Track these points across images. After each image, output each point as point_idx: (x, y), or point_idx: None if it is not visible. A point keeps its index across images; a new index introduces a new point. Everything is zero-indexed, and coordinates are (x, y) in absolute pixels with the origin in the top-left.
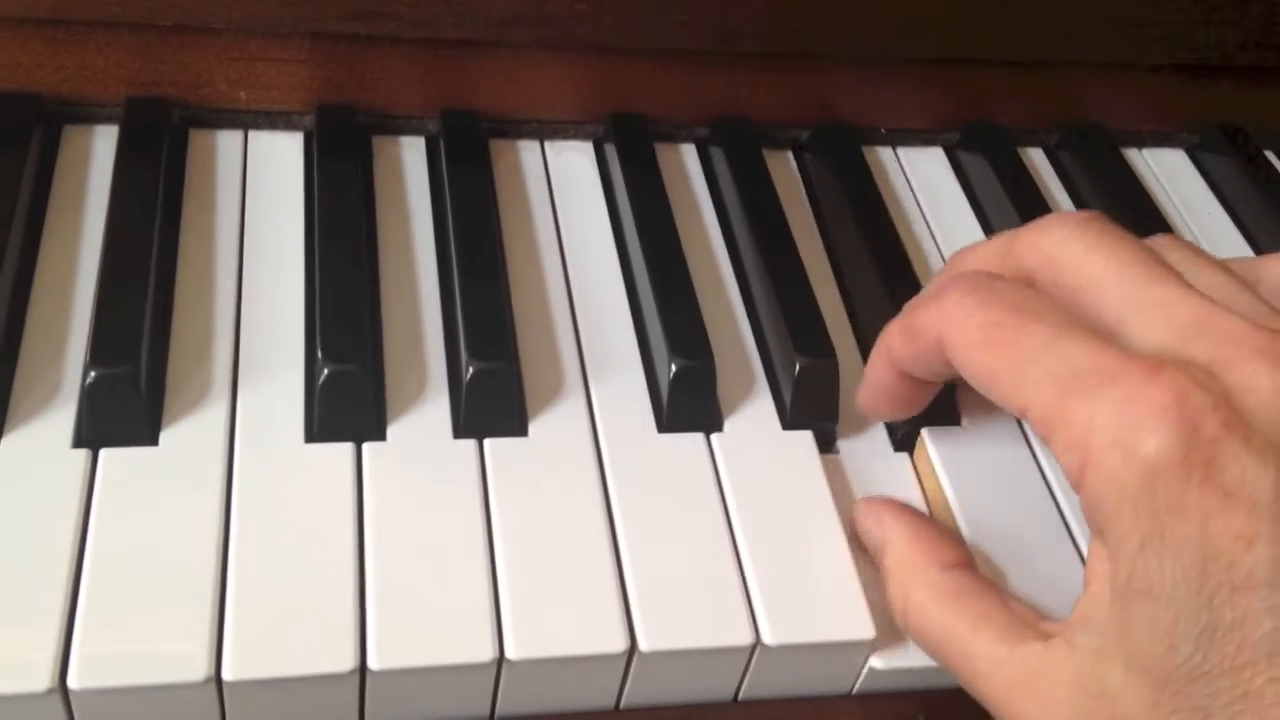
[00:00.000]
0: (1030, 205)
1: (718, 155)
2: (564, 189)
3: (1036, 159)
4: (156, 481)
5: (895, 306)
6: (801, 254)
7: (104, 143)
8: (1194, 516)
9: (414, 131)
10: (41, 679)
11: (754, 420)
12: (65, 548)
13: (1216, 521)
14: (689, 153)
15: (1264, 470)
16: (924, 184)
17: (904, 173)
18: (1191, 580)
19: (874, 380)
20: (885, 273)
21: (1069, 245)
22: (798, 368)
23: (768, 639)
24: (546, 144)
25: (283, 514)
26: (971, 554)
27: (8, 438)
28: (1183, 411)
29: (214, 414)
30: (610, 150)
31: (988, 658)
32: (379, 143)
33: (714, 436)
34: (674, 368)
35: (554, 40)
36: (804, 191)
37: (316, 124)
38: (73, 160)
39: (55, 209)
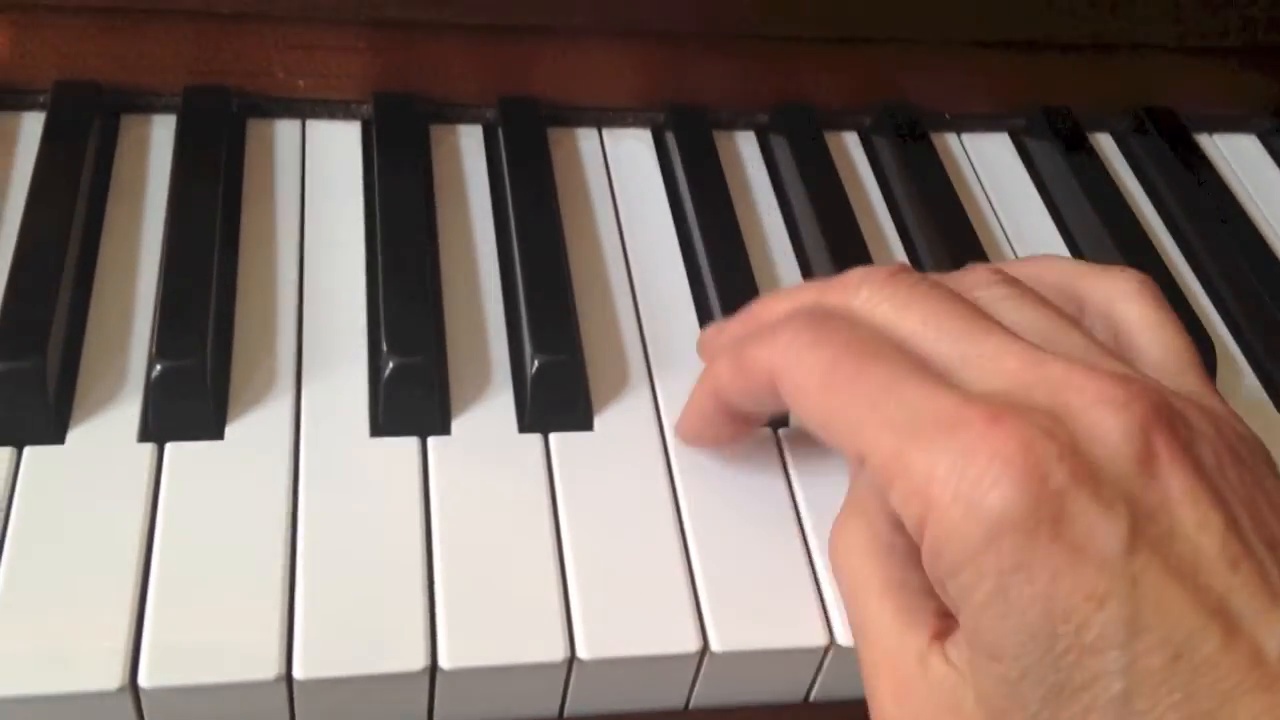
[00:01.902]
0: (1101, 194)
1: (779, 142)
2: (623, 177)
3: (1105, 145)
4: (222, 476)
5: None
6: (867, 239)
7: (162, 132)
8: (1041, 576)
9: (472, 120)
10: (113, 677)
11: None
12: (133, 544)
13: (1065, 580)
14: (746, 139)
15: (1114, 524)
16: (989, 170)
17: (969, 159)
18: (1040, 641)
19: (696, 410)
20: (958, 261)
21: (879, 308)
22: None
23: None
24: (605, 132)
25: (349, 509)
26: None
27: (74, 432)
28: (1027, 462)
29: (279, 407)
30: (670, 139)
31: (880, 625)
32: (437, 131)
33: (780, 431)
34: None
35: (613, 25)
36: (872, 175)
37: (375, 113)
38: (132, 150)
39: (115, 199)
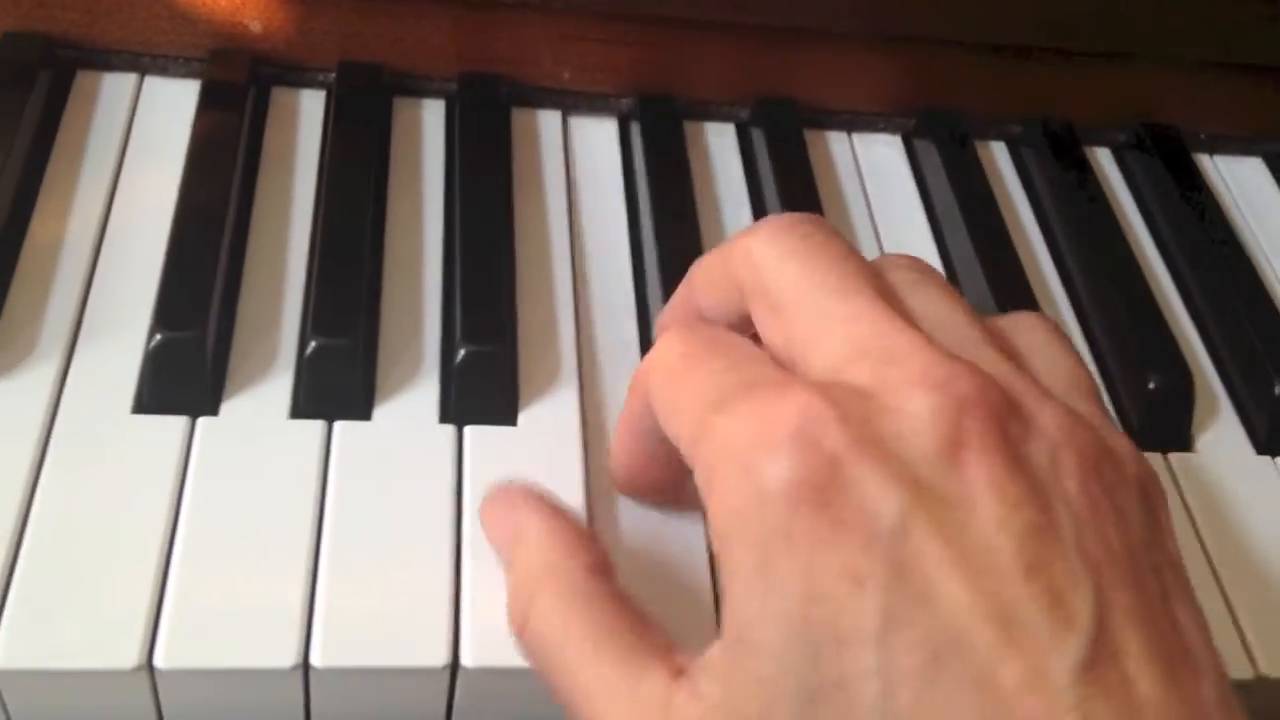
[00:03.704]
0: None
1: (1029, 155)
2: (875, 182)
3: (1104, 160)
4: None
5: None
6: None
7: (432, 117)
8: (801, 549)
9: (724, 118)
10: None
11: None
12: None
13: (823, 555)
14: (999, 150)
15: (889, 498)
16: (1245, 193)
17: (1225, 182)
18: (795, 627)
19: (617, 449)
20: None
21: (768, 250)
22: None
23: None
24: (855, 136)
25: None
26: (612, 561)
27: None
28: (805, 429)
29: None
30: (920, 144)
31: (604, 685)
32: (690, 128)
33: None
34: None
35: (874, 30)
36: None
37: (639, 108)
38: (407, 133)
39: (396, 180)
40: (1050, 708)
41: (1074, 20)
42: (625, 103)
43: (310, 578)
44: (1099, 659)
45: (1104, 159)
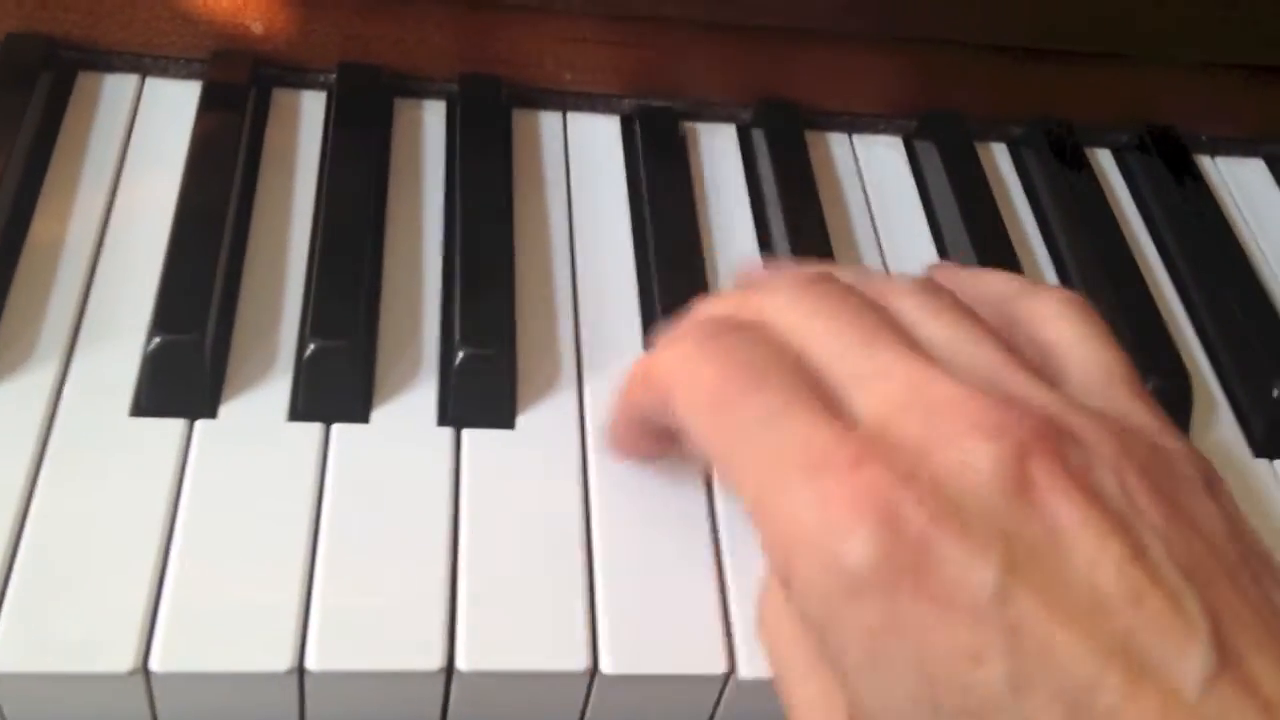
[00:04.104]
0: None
1: (1030, 156)
2: (875, 183)
3: (1105, 161)
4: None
5: None
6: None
7: (434, 118)
8: (910, 635)
9: (724, 119)
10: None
11: None
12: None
13: (937, 638)
14: (1000, 151)
15: (984, 566)
16: (1245, 195)
17: (1226, 183)
18: (923, 711)
19: (615, 420)
20: None
21: (788, 313)
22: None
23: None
24: (855, 137)
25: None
26: None
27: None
28: (882, 510)
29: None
30: (921, 145)
31: (807, 708)
32: (692, 129)
33: None
34: None
35: (872, 31)
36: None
37: (639, 110)
38: (407, 133)
39: (396, 184)
40: None
41: (1074, 22)
42: (626, 104)
43: (306, 581)
44: (1223, 667)
45: (1105, 160)
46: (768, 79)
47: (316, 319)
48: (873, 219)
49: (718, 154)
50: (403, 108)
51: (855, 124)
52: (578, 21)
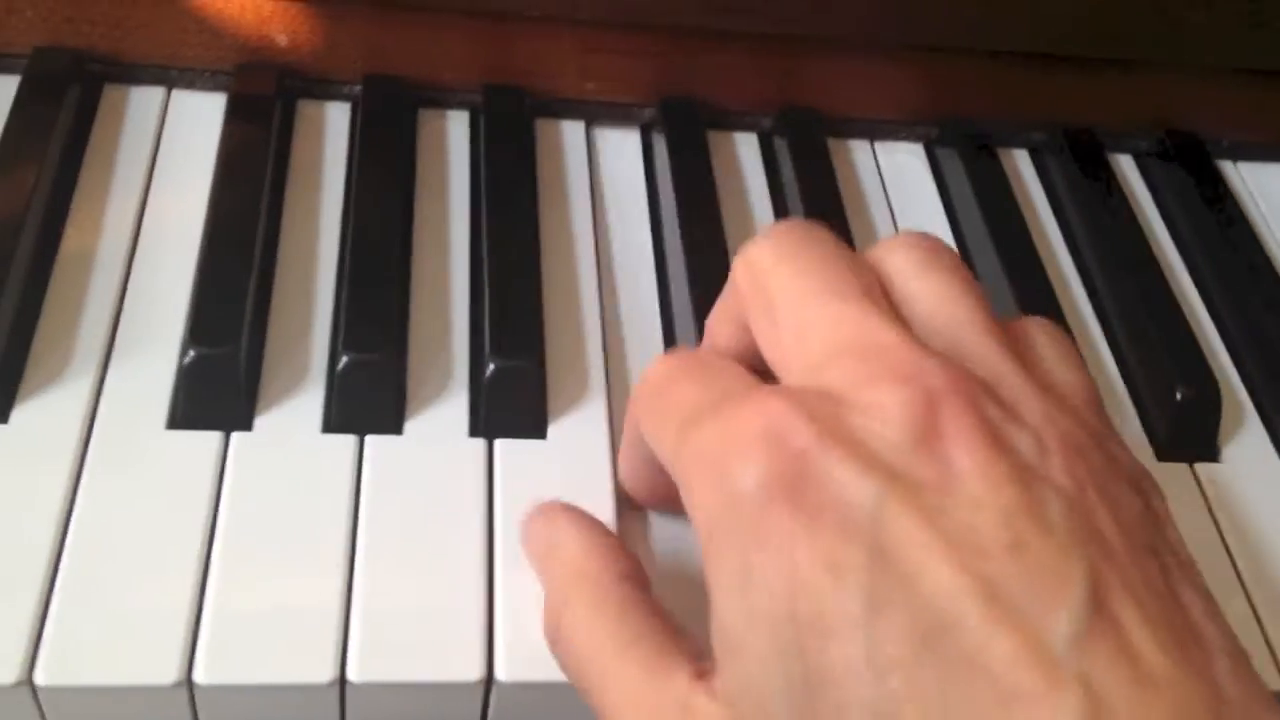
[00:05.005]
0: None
1: (1052, 163)
2: (898, 190)
3: (1126, 167)
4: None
5: None
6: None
7: (458, 128)
8: (777, 546)
9: (746, 128)
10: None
11: None
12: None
13: (801, 549)
14: (1021, 158)
15: (862, 485)
16: (1269, 201)
17: (1249, 189)
18: (780, 625)
19: (621, 467)
20: None
21: (764, 258)
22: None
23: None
24: (877, 144)
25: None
26: (644, 570)
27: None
28: (771, 430)
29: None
30: (943, 152)
31: (629, 689)
32: (714, 137)
33: None
34: None
35: (893, 40)
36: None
37: (662, 118)
38: (432, 146)
39: (421, 195)
40: (1050, 678)
41: (1094, 27)
42: (648, 112)
43: (345, 592)
44: (1096, 629)
45: (1126, 166)
46: (788, 87)
47: (349, 332)
48: (895, 225)
49: (740, 161)
50: (426, 119)
51: (876, 131)
52: (600, 32)
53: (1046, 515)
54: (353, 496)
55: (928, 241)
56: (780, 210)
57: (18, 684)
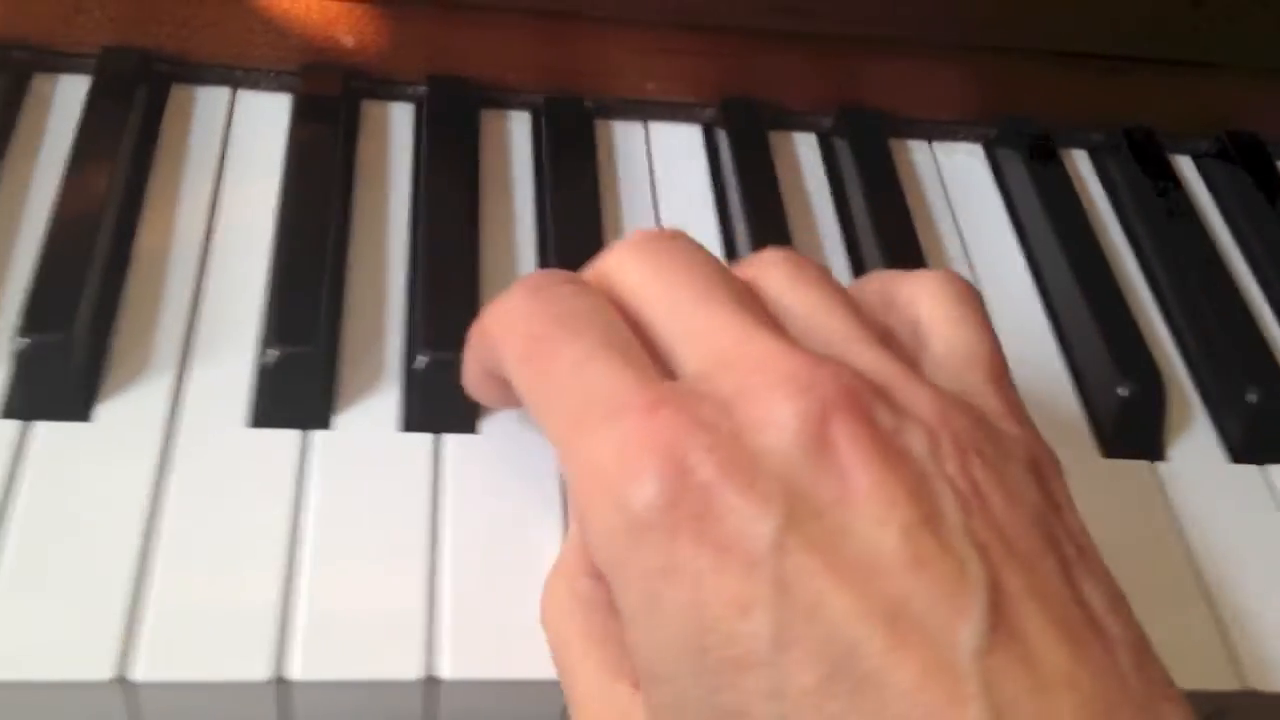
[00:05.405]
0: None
1: (1112, 164)
2: (958, 191)
3: (1185, 167)
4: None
5: None
6: None
7: (520, 128)
8: (685, 581)
9: (807, 128)
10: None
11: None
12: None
13: (709, 585)
14: (1080, 158)
15: (763, 518)
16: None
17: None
18: (690, 659)
19: (464, 373)
20: None
21: (627, 272)
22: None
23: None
24: (935, 144)
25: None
26: None
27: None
28: (672, 455)
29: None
30: (1003, 152)
31: (585, 685)
32: (774, 138)
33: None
34: (1123, 391)
35: (952, 40)
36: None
37: (723, 118)
38: (495, 146)
39: (487, 195)
40: (953, 695)
41: (1153, 29)
42: (709, 113)
43: (431, 591)
44: (998, 641)
45: (1186, 167)
46: (848, 87)
47: (425, 332)
48: (958, 226)
49: (800, 161)
50: (488, 119)
51: (934, 131)
52: (663, 33)
53: (945, 526)
54: (433, 495)
55: (791, 256)
56: (843, 210)
57: (113, 681)
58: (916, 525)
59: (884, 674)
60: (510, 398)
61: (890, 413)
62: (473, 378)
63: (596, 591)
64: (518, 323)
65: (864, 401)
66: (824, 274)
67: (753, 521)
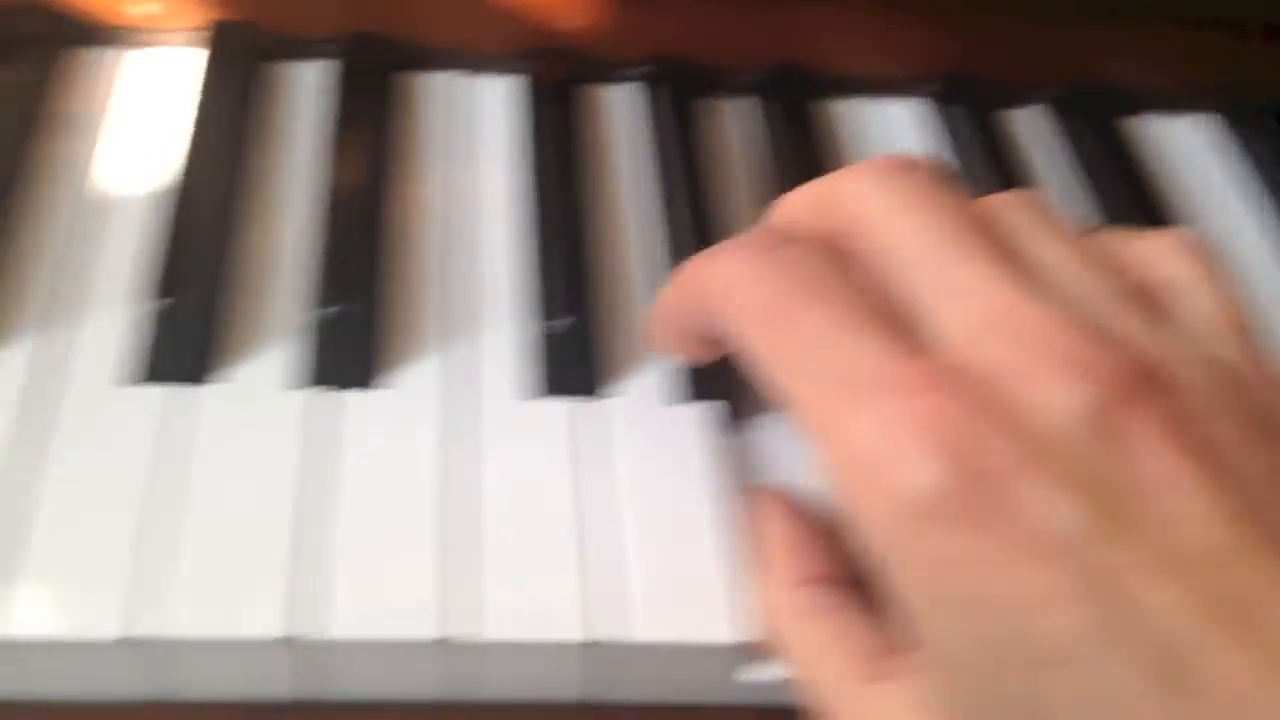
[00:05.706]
0: None
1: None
2: (1184, 169)
3: None
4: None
5: None
6: None
7: (734, 112)
8: (978, 572)
9: (1029, 102)
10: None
11: None
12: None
13: (1006, 577)
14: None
15: (1067, 508)
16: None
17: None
18: (987, 652)
19: (654, 327)
20: None
21: (873, 202)
22: None
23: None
24: (1159, 120)
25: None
26: (848, 563)
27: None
28: (951, 438)
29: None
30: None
31: (832, 689)
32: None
33: None
34: None
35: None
36: None
37: (945, 93)
38: (712, 131)
39: (711, 180)
40: None
41: None
42: (927, 88)
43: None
44: None
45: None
46: (1070, 62)
47: None
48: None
49: (1027, 140)
50: (707, 109)
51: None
52: (880, 7)
53: (1262, 518)
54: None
55: (1035, 200)
56: (1089, 190)
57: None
58: (1228, 519)
59: (1221, 672)
60: (710, 353)
61: (1177, 398)
62: (661, 333)
63: (814, 598)
64: (750, 284)
65: (1152, 386)
66: (1064, 219)
67: (1055, 511)
